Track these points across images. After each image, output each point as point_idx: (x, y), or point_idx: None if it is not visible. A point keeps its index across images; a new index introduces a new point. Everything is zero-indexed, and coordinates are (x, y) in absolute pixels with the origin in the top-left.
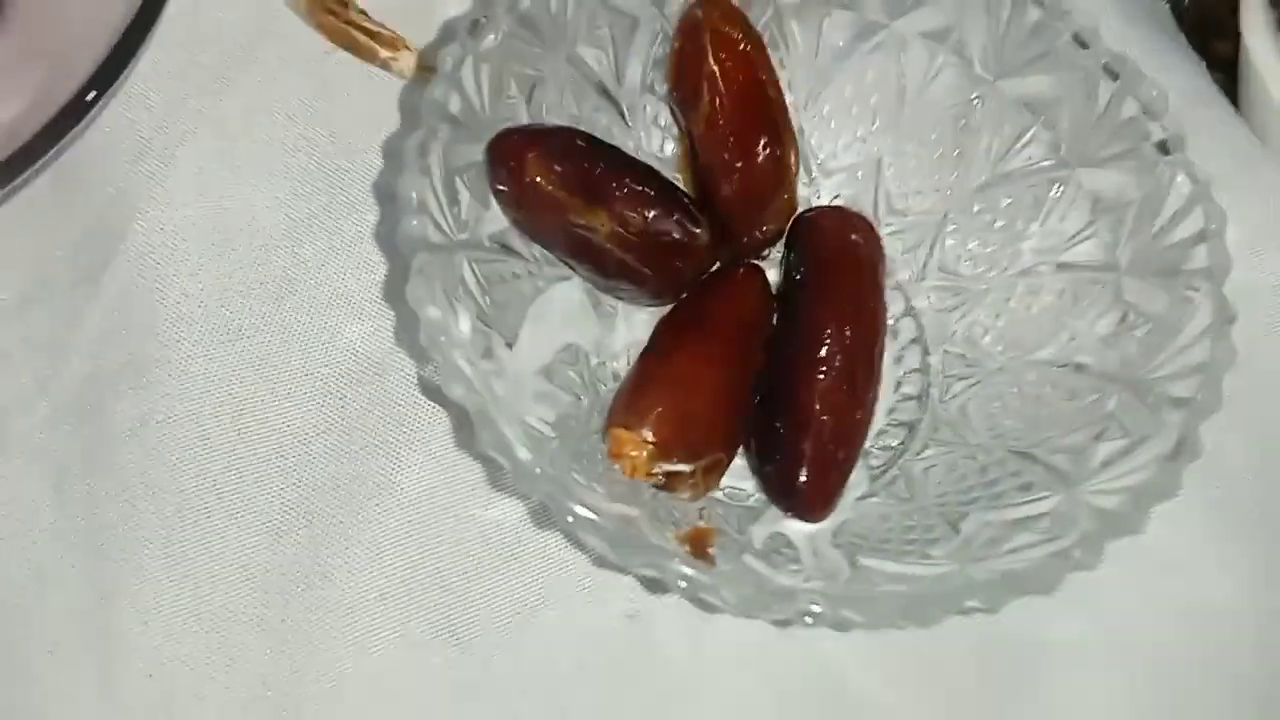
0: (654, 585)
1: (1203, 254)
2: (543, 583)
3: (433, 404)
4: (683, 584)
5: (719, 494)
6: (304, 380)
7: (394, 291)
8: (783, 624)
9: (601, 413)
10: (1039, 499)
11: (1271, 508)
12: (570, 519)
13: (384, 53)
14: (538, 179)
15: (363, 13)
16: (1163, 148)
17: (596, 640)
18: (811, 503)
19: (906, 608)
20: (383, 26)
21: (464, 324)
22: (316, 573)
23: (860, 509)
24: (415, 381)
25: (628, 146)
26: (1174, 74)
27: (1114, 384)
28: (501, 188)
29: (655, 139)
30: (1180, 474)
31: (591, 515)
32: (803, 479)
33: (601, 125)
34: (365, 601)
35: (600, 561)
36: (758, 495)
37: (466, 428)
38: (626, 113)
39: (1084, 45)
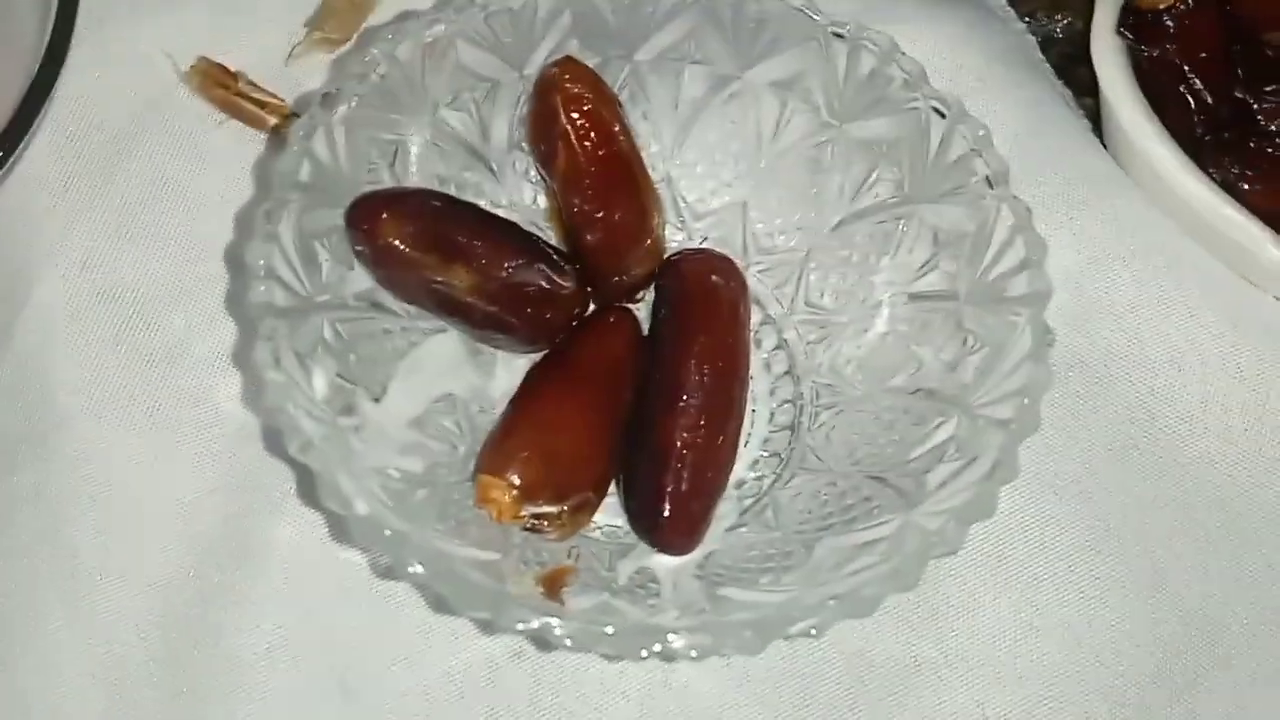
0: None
1: (1024, 281)
2: (427, 627)
3: None
4: (519, 627)
5: (594, 532)
6: (193, 440)
7: (243, 356)
8: (615, 659)
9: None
10: (883, 522)
11: (1129, 517)
12: (410, 569)
13: (272, 120)
14: (393, 240)
15: (252, 84)
16: (988, 182)
17: (479, 679)
18: (673, 536)
19: (743, 637)
20: (271, 96)
21: (319, 383)
22: (206, 629)
23: (728, 540)
24: None
25: (500, 202)
26: (1035, 106)
27: (953, 407)
28: (360, 249)
29: (527, 193)
30: (996, 495)
31: (424, 571)
32: (665, 513)
33: (472, 183)
34: (254, 655)
35: (442, 608)
36: (630, 531)
37: (311, 485)
38: (496, 169)
39: (913, 88)
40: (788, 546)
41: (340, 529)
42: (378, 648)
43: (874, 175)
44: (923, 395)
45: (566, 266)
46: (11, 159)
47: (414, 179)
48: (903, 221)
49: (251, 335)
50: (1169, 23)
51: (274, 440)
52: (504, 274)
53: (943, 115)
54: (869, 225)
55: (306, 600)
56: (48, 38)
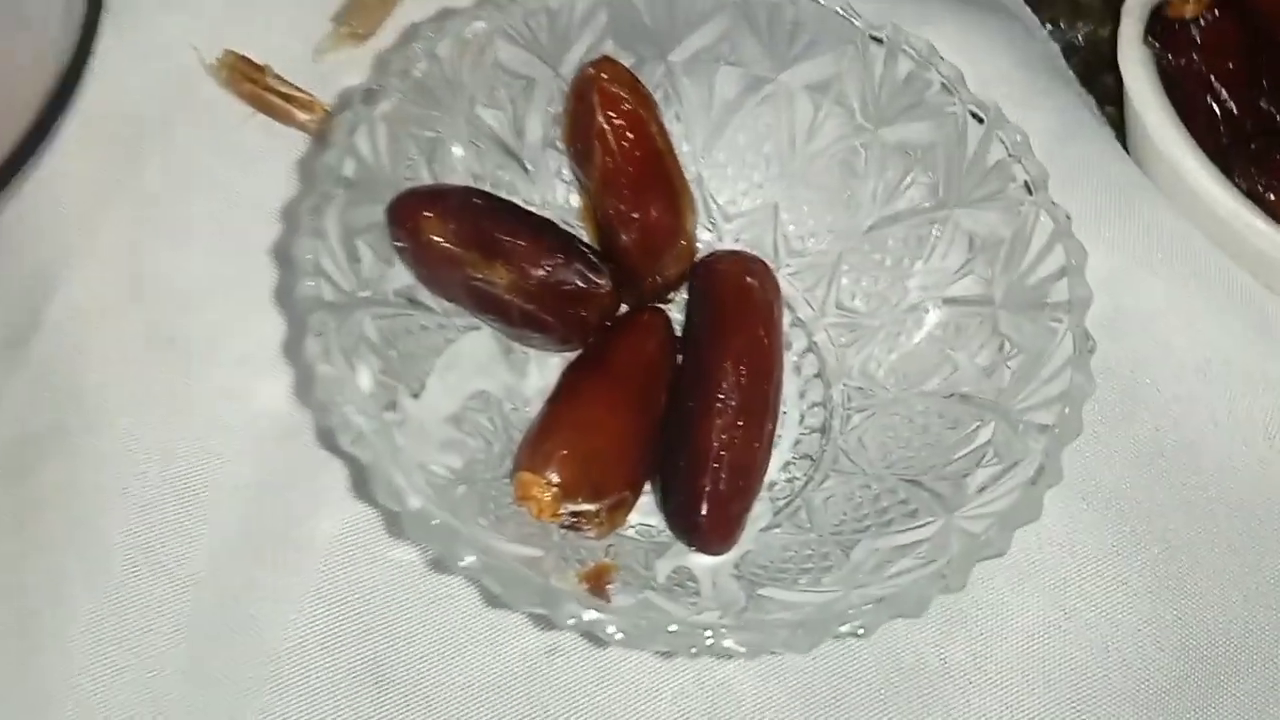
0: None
1: (1064, 288)
2: (464, 622)
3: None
4: (570, 621)
5: (629, 530)
6: (223, 437)
7: (293, 350)
8: (667, 655)
9: (513, 457)
10: (922, 525)
11: (1155, 523)
12: (461, 563)
13: (300, 115)
14: (434, 237)
15: (279, 78)
16: (1027, 188)
17: (515, 674)
18: (712, 536)
19: (789, 635)
20: (298, 90)
21: (364, 378)
22: (239, 622)
23: (763, 540)
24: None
25: (533, 200)
26: (1061, 113)
27: (991, 412)
28: (401, 246)
29: (560, 192)
30: (1041, 499)
31: (477, 563)
32: (703, 513)
33: (505, 181)
34: (286, 648)
35: (494, 601)
36: (665, 531)
37: (363, 479)
38: (530, 168)
39: (951, 92)
40: (824, 548)
41: (393, 523)
42: (412, 642)
43: (909, 179)
44: (957, 399)
45: (602, 266)
46: (39, 152)
47: (451, 176)
48: (937, 226)
49: (301, 330)
50: (1195, 32)
51: (325, 435)
52: (543, 272)
53: (980, 120)
54: (902, 229)
55: (341, 593)
56: (76, 31)
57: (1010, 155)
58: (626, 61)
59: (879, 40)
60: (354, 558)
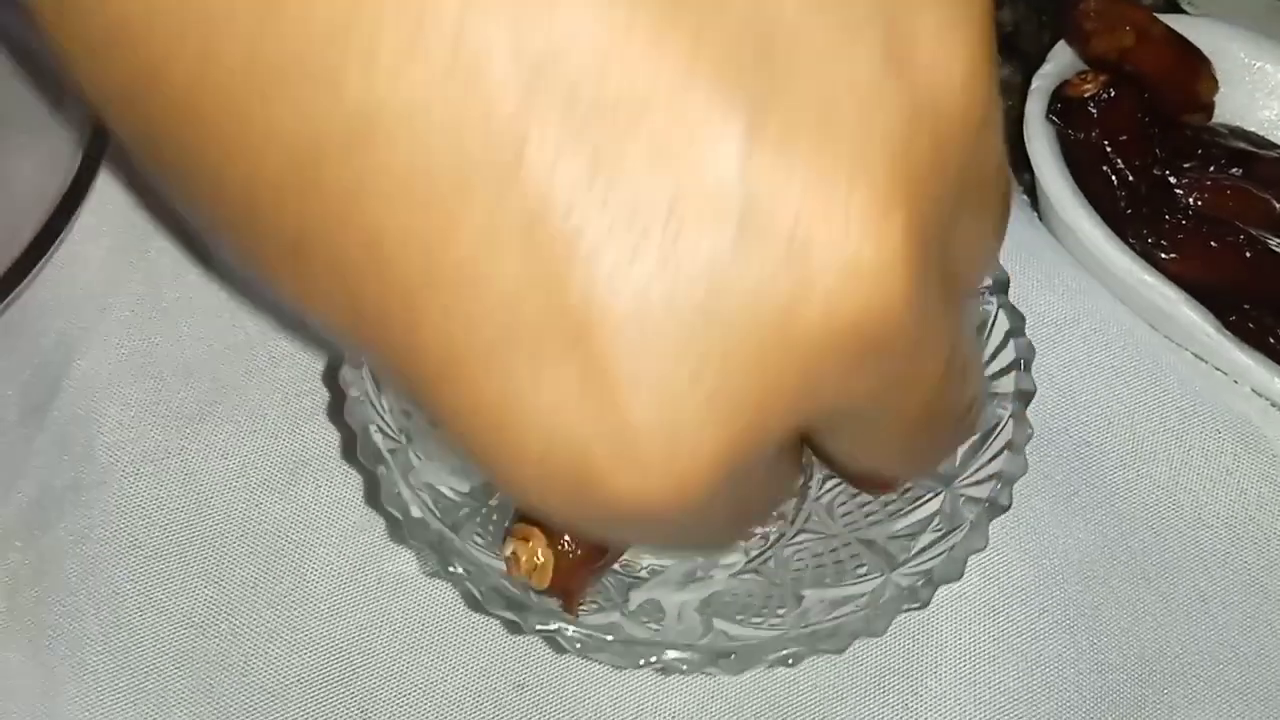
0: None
1: (1011, 380)
2: (441, 662)
3: (342, 507)
4: (539, 628)
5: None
6: (224, 490)
7: (330, 376)
8: (620, 668)
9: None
10: (867, 580)
11: (1072, 556)
12: (451, 569)
13: None
14: None
15: None
16: (989, 290)
17: (488, 708)
18: None
19: (729, 660)
20: None
21: (385, 402)
22: (239, 661)
23: (731, 584)
24: (324, 487)
25: None
26: None
27: (943, 485)
28: None
29: None
30: (964, 561)
31: (461, 571)
32: None
33: None
34: (284, 686)
35: (474, 606)
36: (645, 568)
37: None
38: None
39: None
40: (782, 594)
41: (396, 530)
42: (398, 681)
43: None
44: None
45: None
46: (58, 239)
47: None
48: None
49: (339, 357)
50: (1092, 109)
51: (347, 450)
52: None
53: None
54: None
55: (333, 638)
56: (90, 127)
57: None
58: None
59: None
60: (347, 605)
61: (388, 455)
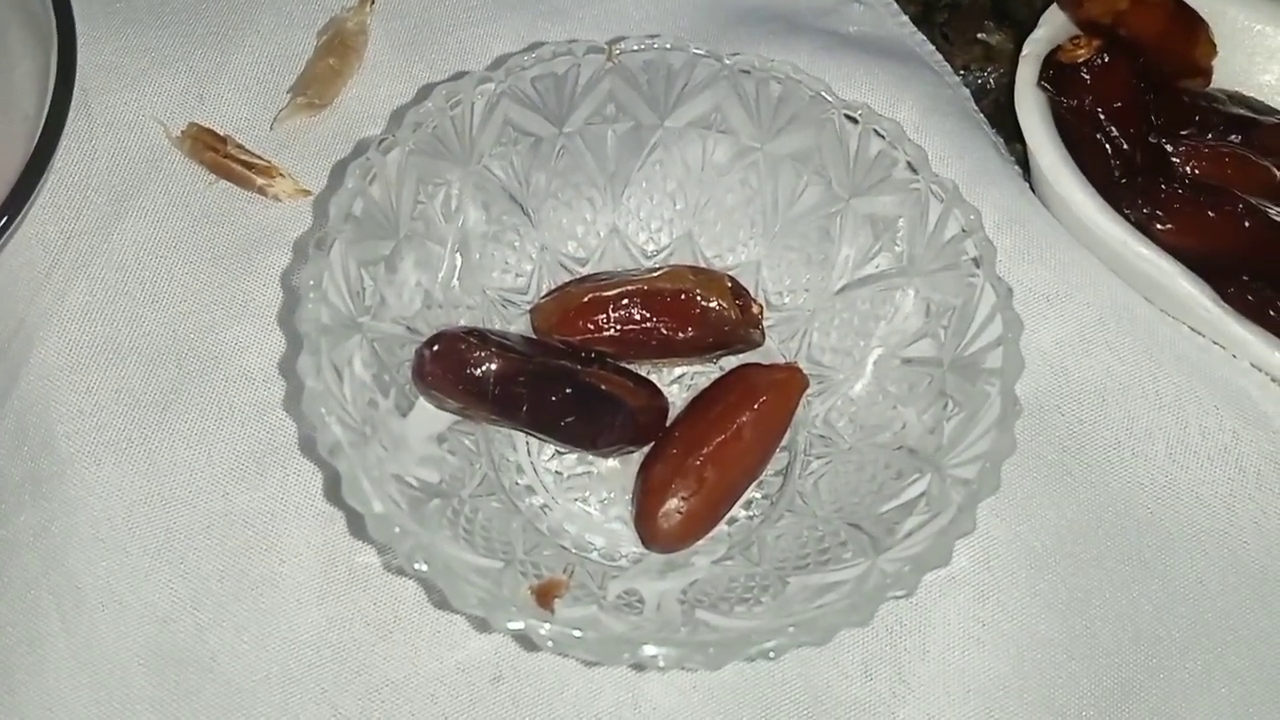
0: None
1: (999, 356)
2: (413, 655)
3: (312, 497)
4: (509, 625)
5: (592, 553)
6: (189, 480)
7: (288, 365)
8: (591, 663)
9: (495, 476)
10: (853, 565)
11: (1064, 538)
12: (415, 566)
13: (260, 180)
14: (457, 404)
15: (240, 146)
16: (975, 263)
17: (464, 702)
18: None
19: (708, 654)
20: (259, 158)
21: (350, 393)
22: (206, 657)
23: (713, 571)
24: (292, 476)
25: (534, 246)
26: (969, 155)
27: (929, 465)
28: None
29: (561, 240)
30: (951, 546)
31: (425, 569)
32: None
33: (511, 225)
34: (250, 682)
35: (442, 603)
36: (625, 556)
37: (336, 484)
38: (533, 215)
39: (915, 171)
40: (765, 581)
41: (359, 526)
42: (366, 674)
43: (877, 247)
44: (905, 452)
45: (614, 398)
46: (16, 221)
47: (458, 216)
48: (900, 291)
49: (298, 346)
50: (1085, 75)
51: (307, 443)
52: (559, 428)
53: (940, 199)
54: (870, 292)
55: (298, 632)
56: (47, 107)
57: (963, 230)
58: (625, 125)
59: (854, 120)
60: (313, 600)
61: (349, 448)
